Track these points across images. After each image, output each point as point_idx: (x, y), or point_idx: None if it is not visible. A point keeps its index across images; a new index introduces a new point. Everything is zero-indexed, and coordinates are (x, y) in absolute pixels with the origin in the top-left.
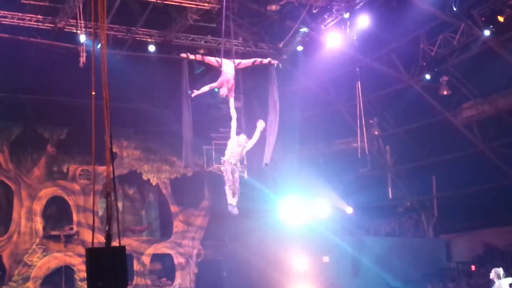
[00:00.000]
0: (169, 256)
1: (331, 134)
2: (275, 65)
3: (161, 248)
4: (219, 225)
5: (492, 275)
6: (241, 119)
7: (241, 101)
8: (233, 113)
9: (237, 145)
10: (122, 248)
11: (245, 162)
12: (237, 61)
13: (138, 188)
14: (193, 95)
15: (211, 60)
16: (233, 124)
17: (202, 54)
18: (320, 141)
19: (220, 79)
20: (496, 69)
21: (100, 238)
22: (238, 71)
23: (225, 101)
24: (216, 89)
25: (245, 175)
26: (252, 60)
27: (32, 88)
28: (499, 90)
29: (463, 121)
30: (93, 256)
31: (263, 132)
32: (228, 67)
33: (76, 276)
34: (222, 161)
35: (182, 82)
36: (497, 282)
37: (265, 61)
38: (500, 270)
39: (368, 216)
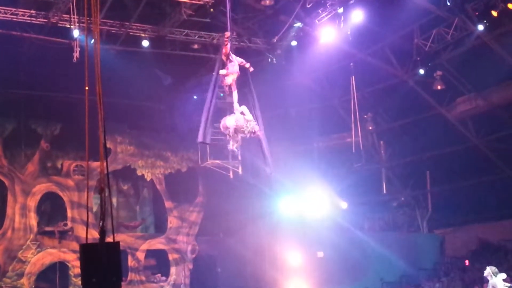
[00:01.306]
0: (163, 252)
1: (325, 129)
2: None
3: (156, 244)
4: (213, 221)
5: (486, 273)
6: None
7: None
8: (237, 106)
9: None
10: (116, 244)
11: (239, 158)
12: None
13: (132, 183)
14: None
15: (227, 47)
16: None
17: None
18: (314, 136)
19: (231, 69)
20: (490, 64)
21: (94, 234)
22: None
23: (219, 97)
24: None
25: (240, 171)
26: (241, 60)
27: (26, 83)
28: (493, 84)
29: (457, 115)
30: (87, 252)
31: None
32: (235, 59)
33: (70, 272)
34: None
35: (217, 61)
36: (491, 280)
37: (247, 65)
38: (494, 268)
39: (363, 211)
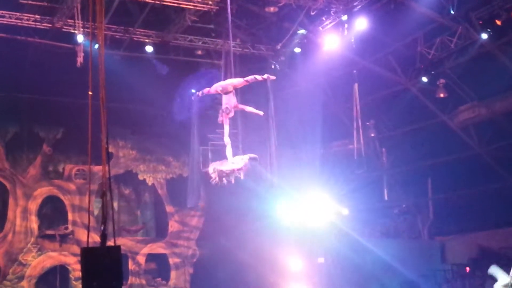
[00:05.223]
0: (164, 256)
1: (327, 136)
2: (272, 74)
3: (156, 248)
4: (214, 226)
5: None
6: (238, 134)
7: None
8: (228, 140)
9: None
10: (117, 248)
11: None
12: (230, 82)
13: (133, 188)
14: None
15: (247, 83)
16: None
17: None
18: (317, 142)
19: (228, 101)
20: (493, 73)
21: (95, 238)
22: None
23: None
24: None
25: (241, 176)
26: (242, 79)
27: (29, 87)
28: (496, 93)
29: (460, 123)
30: (88, 255)
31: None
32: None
33: (71, 276)
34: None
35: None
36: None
37: (259, 78)
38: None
39: (364, 217)
